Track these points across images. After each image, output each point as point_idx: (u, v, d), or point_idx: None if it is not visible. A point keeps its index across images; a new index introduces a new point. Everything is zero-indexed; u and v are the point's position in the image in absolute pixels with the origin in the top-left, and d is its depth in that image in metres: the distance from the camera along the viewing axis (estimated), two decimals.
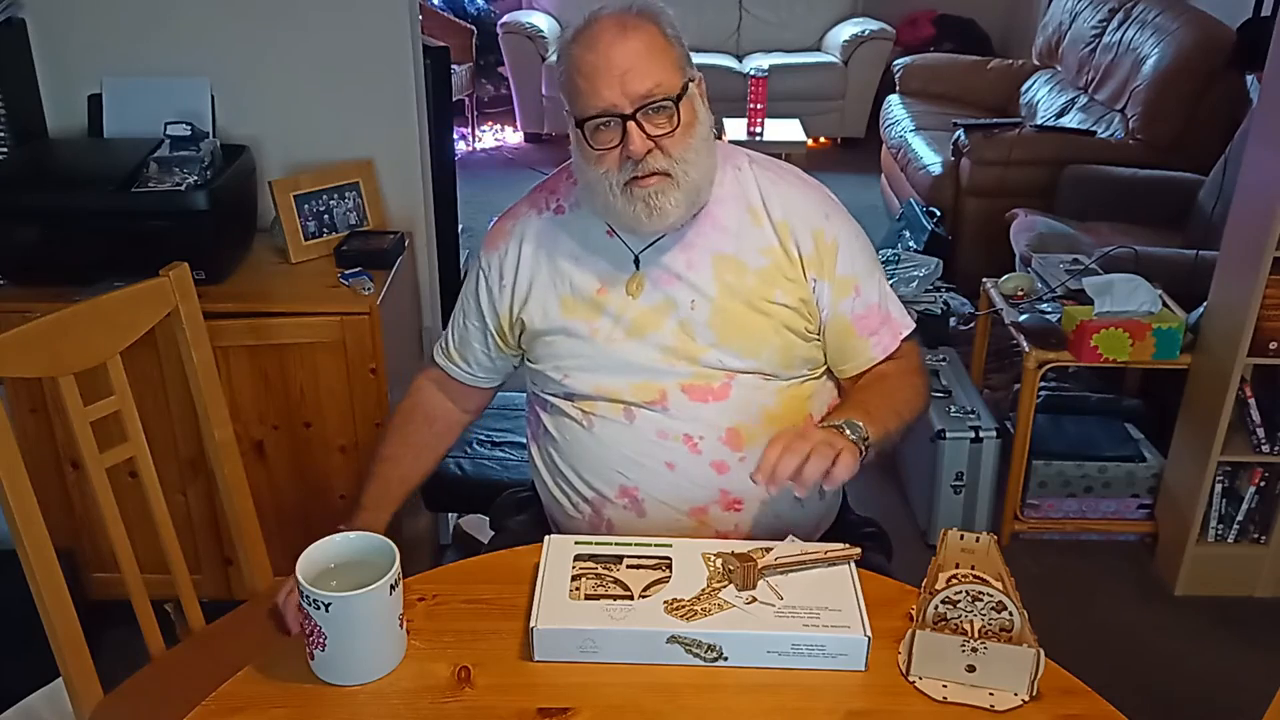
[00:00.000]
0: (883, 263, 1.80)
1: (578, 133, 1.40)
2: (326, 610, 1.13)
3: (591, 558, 1.30)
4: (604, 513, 1.51)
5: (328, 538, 1.23)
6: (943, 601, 1.20)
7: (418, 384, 1.67)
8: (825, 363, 1.56)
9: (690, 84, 1.40)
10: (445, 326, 1.67)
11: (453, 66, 3.87)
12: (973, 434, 2.73)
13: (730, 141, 1.85)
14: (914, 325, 1.58)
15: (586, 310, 1.49)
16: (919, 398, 1.54)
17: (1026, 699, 1.15)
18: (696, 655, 1.19)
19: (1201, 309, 2.60)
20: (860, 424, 1.38)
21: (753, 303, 1.46)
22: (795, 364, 1.51)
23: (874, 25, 6.04)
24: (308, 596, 1.13)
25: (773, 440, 1.31)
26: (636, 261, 1.48)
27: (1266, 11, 4.02)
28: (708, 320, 1.46)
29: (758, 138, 4.83)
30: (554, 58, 5.93)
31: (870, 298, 1.52)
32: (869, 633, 1.18)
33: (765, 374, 1.48)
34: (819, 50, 6.26)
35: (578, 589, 1.24)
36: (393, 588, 1.16)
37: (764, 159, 1.55)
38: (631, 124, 1.35)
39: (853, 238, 1.52)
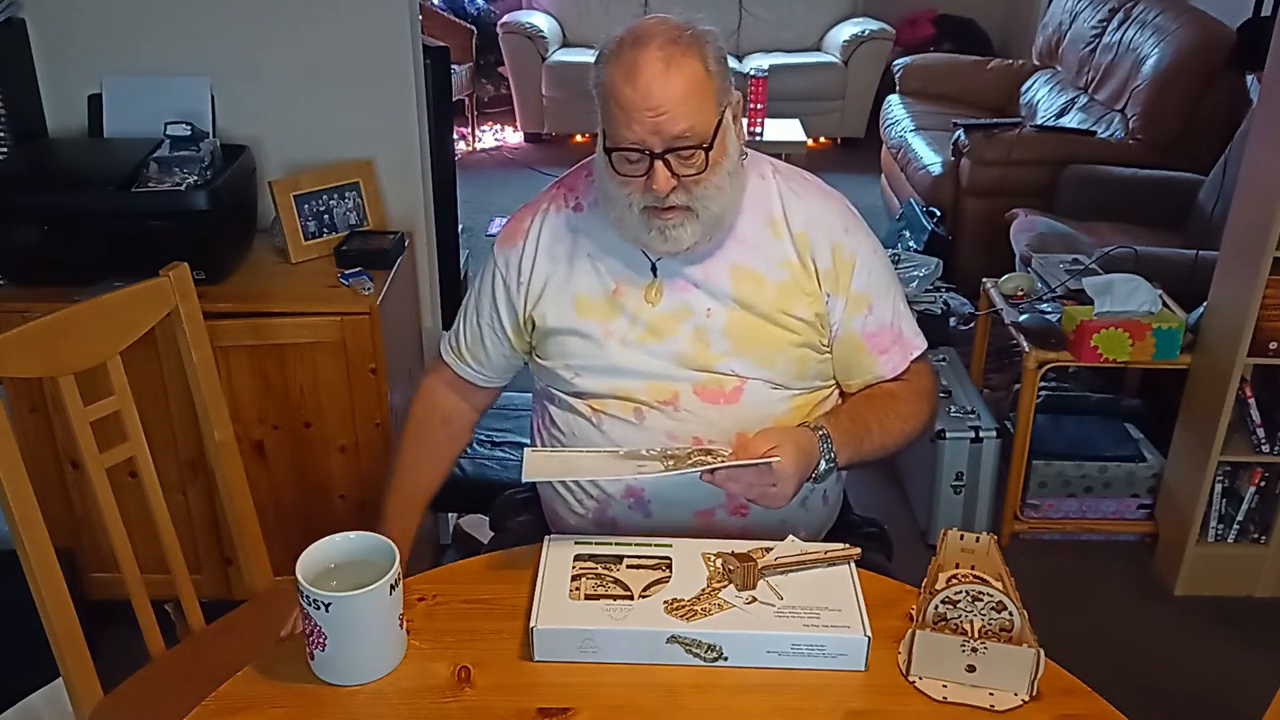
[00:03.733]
0: None
1: (604, 156, 1.38)
2: (326, 610, 1.13)
3: (591, 558, 1.30)
4: (609, 511, 1.51)
5: (328, 538, 1.23)
6: (943, 601, 1.20)
7: (428, 386, 1.65)
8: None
9: (725, 111, 1.37)
10: (445, 326, 1.67)
11: (453, 66, 3.87)
12: (973, 434, 2.73)
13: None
14: (926, 345, 1.57)
15: (602, 310, 1.48)
16: (915, 423, 1.52)
17: (1026, 699, 1.15)
18: (696, 655, 1.19)
19: (1201, 309, 2.60)
20: (833, 446, 1.39)
21: (770, 315, 1.46)
22: (808, 376, 1.51)
23: (874, 25, 6.04)
24: (308, 596, 1.13)
25: (729, 475, 1.32)
26: (654, 269, 1.47)
27: (1266, 11, 4.02)
28: (723, 329, 1.46)
29: (758, 138, 4.81)
30: (555, 57, 5.93)
31: (884, 316, 1.51)
32: (869, 633, 1.18)
33: (776, 383, 1.48)
34: (819, 50, 6.25)
35: (578, 589, 1.24)
36: (393, 588, 1.16)
37: (787, 168, 1.54)
38: (659, 163, 1.33)
39: (871, 254, 1.51)
